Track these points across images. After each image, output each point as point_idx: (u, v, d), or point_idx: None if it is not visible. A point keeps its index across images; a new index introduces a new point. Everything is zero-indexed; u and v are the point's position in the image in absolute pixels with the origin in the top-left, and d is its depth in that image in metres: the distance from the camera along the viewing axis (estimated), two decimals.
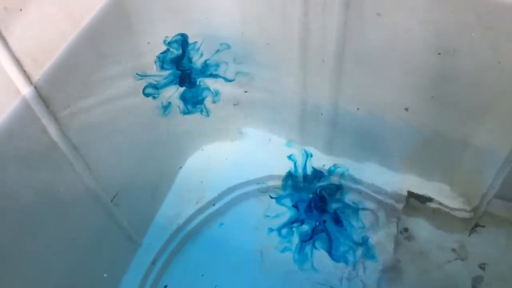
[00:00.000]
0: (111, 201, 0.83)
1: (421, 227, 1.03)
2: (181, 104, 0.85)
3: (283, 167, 1.00)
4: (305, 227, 0.99)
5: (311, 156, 1.00)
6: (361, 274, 0.98)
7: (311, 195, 0.99)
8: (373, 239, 1.00)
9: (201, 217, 1.00)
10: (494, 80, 0.73)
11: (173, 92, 0.83)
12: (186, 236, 1.00)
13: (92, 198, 0.78)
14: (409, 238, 1.03)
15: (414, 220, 1.03)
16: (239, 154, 1.02)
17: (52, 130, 0.64)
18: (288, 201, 0.99)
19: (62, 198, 0.71)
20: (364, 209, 1.03)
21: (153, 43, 0.77)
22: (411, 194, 0.99)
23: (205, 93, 0.88)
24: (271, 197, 0.99)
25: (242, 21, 0.81)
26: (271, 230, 0.99)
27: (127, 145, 0.81)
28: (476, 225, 1.00)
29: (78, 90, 0.67)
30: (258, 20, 0.80)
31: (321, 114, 0.94)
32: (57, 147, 0.66)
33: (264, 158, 1.01)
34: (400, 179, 1.00)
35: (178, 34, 0.77)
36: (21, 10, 0.56)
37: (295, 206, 0.98)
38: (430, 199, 0.98)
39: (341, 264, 0.98)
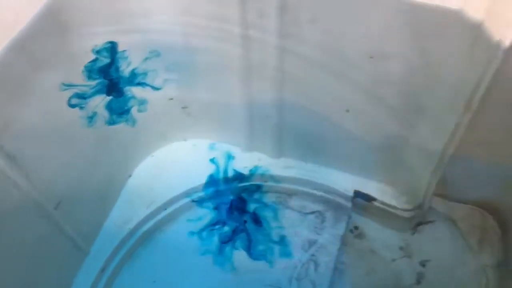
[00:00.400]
0: (55, 209, 0.82)
1: (369, 226, 1.06)
2: (106, 114, 0.84)
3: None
4: (226, 229, 1.00)
5: (233, 158, 1.02)
6: (311, 274, 1.00)
7: (231, 197, 1.00)
8: (320, 241, 1.02)
9: (151, 222, 1.00)
10: (423, 81, 0.76)
11: (99, 102, 0.82)
12: (137, 242, 0.99)
13: (33, 207, 0.77)
14: (359, 236, 1.05)
15: (363, 219, 1.06)
16: (187, 159, 1.03)
17: None
18: (209, 204, 1.00)
19: (2, 208, 0.70)
20: (312, 212, 1.06)
21: (87, 51, 0.77)
22: (357, 194, 1.02)
23: (131, 103, 0.88)
24: (193, 201, 1.00)
25: (181, 26, 0.82)
26: (192, 233, 1.00)
27: (68, 152, 0.80)
28: (420, 223, 1.04)
29: (10, 99, 0.67)
30: (197, 26, 0.81)
31: (267, 117, 0.95)
32: None
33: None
34: (347, 179, 1.03)
35: (107, 42, 0.77)
36: None
37: (216, 208, 0.99)
38: (375, 199, 1.01)
39: (292, 264, 1.00)
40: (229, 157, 1.02)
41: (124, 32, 0.78)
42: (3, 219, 0.70)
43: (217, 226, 1.00)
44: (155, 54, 0.83)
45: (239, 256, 1.00)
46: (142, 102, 0.89)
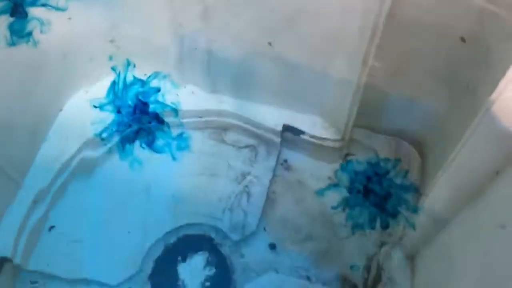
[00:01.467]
0: None
1: (299, 158, 1.10)
2: (8, 35, 0.83)
3: None
4: (130, 129, 1.04)
5: (134, 66, 1.05)
6: (244, 204, 1.05)
7: (133, 101, 1.03)
8: (252, 173, 1.07)
9: (82, 154, 1.02)
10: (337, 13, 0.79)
11: (1, 22, 0.81)
12: (71, 174, 1.01)
13: None
14: (288, 168, 1.10)
15: (293, 153, 1.10)
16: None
17: None
18: (110, 107, 1.03)
19: None
20: (246, 146, 1.10)
21: None
22: (286, 128, 1.06)
23: (33, 24, 0.87)
24: (95, 106, 1.03)
25: None
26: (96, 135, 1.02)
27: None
28: (348, 154, 1.09)
29: None
30: None
31: (196, 49, 0.97)
32: None
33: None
34: (277, 114, 1.06)
35: None
36: None
37: (118, 111, 1.02)
38: (303, 132, 1.05)
39: (225, 195, 1.05)
40: (128, 64, 1.04)
41: None
42: None
43: (121, 128, 1.03)
44: None
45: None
46: (44, 23, 0.88)
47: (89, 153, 1.02)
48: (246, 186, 1.07)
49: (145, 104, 1.02)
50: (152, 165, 1.05)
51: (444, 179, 0.72)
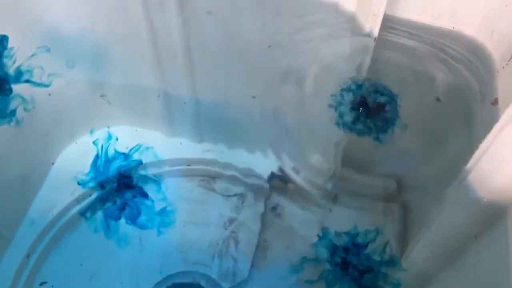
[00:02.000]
0: None
1: (288, 204, 1.12)
2: None
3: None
4: (112, 205, 1.05)
5: (117, 139, 1.07)
6: (232, 251, 1.06)
7: (115, 175, 1.05)
8: (240, 219, 1.08)
9: (77, 208, 1.04)
10: (319, 67, 0.82)
11: None
12: (63, 228, 1.02)
13: None
14: (278, 215, 1.12)
15: (281, 198, 1.12)
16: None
17: None
18: (93, 184, 1.04)
19: None
20: (235, 194, 1.11)
21: None
22: (274, 175, 1.08)
23: (16, 102, 0.87)
24: (79, 183, 1.04)
25: (90, 18, 0.84)
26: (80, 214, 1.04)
27: None
28: (336, 196, 1.11)
29: None
30: (106, 17, 0.84)
31: (184, 103, 0.99)
32: None
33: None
34: (264, 161, 1.08)
35: None
36: None
37: (102, 187, 1.03)
38: (290, 179, 1.08)
39: (214, 242, 1.06)
40: (109, 138, 1.06)
41: (17, 25, 0.80)
42: None
43: (106, 204, 1.04)
44: (43, 49, 0.85)
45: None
46: (28, 101, 0.89)
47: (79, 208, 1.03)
48: (234, 232, 1.08)
49: (129, 178, 1.03)
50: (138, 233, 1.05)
51: (425, 239, 0.74)
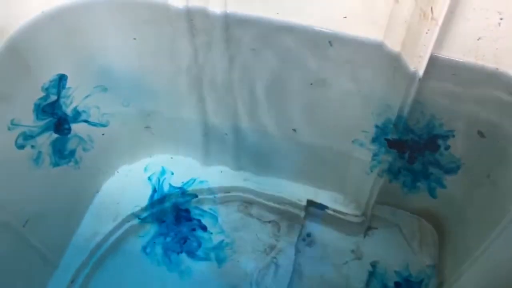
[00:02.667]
0: (23, 226, 0.88)
1: (321, 233, 1.14)
2: (51, 155, 0.87)
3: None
4: (173, 238, 1.09)
5: (170, 173, 1.11)
6: (271, 277, 1.08)
7: (173, 209, 1.08)
8: (277, 247, 1.10)
9: (118, 233, 1.07)
10: (356, 105, 0.84)
11: (45, 140, 0.85)
12: (105, 254, 1.06)
13: (2, 226, 0.83)
14: (311, 242, 1.13)
15: (316, 226, 1.14)
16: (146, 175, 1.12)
17: None
18: (152, 219, 1.08)
19: None
20: (269, 221, 1.14)
21: (38, 87, 0.81)
22: (310, 203, 1.10)
23: (74, 142, 0.90)
24: (139, 219, 1.07)
25: (138, 56, 0.88)
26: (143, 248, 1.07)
27: (33, 176, 0.86)
28: (369, 228, 1.12)
29: None
30: (154, 55, 0.88)
31: (226, 134, 1.03)
32: None
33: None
34: (300, 190, 1.11)
35: (57, 75, 0.81)
36: None
37: (163, 221, 1.06)
38: (326, 207, 1.09)
39: (251, 270, 1.08)
40: (163, 173, 1.10)
41: (75, 67, 0.84)
42: None
43: (167, 238, 1.08)
44: (99, 89, 0.89)
45: (190, 262, 1.07)
46: (86, 141, 0.93)
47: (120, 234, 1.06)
48: (274, 258, 1.10)
49: (186, 211, 1.06)
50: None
51: (472, 272, 0.75)
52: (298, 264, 1.10)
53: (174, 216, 1.07)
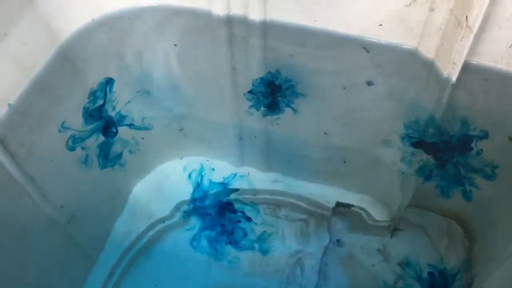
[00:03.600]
0: (68, 222, 0.93)
1: (349, 233, 1.16)
2: (99, 158, 0.91)
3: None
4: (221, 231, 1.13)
5: (207, 170, 1.17)
6: (298, 277, 1.11)
7: (216, 203, 1.12)
8: (304, 247, 1.13)
9: (152, 232, 1.11)
10: (388, 109, 0.87)
11: (93, 143, 0.89)
12: (140, 251, 1.10)
13: (49, 222, 0.87)
14: (339, 242, 1.16)
15: (343, 227, 1.17)
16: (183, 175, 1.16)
17: (9, 165, 0.74)
18: (196, 214, 1.12)
19: (21, 222, 0.80)
20: (298, 220, 1.17)
21: (87, 91, 0.86)
22: (338, 204, 1.13)
23: (121, 145, 0.94)
24: (186, 212, 1.12)
25: (178, 64, 0.93)
26: (190, 241, 1.11)
27: (79, 175, 0.91)
28: (396, 229, 1.14)
29: (34, 129, 0.78)
30: (191, 63, 0.92)
31: (255, 137, 1.06)
32: (14, 179, 0.76)
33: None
34: (328, 191, 1.14)
35: (103, 79, 0.85)
36: None
37: (208, 214, 1.11)
38: (355, 208, 1.12)
39: (280, 269, 1.11)
40: (202, 170, 1.15)
41: (120, 72, 0.88)
42: (21, 231, 0.80)
43: (213, 231, 1.12)
44: (142, 93, 0.93)
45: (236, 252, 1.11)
46: (131, 144, 0.97)
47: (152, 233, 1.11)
48: (300, 259, 1.13)
49: (230, 204, 1.11)
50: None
51: (501, 274, 0.77)
52: (325, 264, 1.12)
53: (217, 209, 1.11)
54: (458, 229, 1.09)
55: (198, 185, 1.13)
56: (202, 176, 1.15)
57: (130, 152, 0.98)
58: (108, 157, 0.92)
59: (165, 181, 1.15)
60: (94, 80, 0.86)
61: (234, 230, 1.11)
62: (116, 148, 0.95)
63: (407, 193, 1.01)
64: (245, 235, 1.11)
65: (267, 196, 1.16)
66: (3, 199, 0.75)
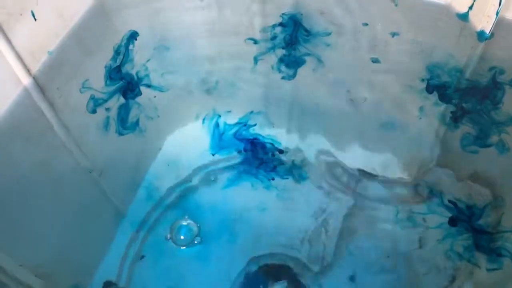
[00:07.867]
0: (99, 176, 0.95)
1: (373, 195, 1.18)
2: (118, 123, 0.93)
3: None
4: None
5: (219, 116, 1.19)
6: (323, 237, 1.13)
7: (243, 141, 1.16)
8: (329, 207, 1.15)
9: (178, 190, 1.14)
10: (419, 61, 0.87)
11: (113, 104, 0.90)
12: (166, 208, 1.13)
13: (83, 173, 0.90)
14: (362, 205, 1.17)
15: (367, 190, 1.18)
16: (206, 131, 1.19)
17: (48, 114, 0.76)
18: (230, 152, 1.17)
19: (56, 171, 0.83)
20: (320, 185, 1.18)
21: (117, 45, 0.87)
22: (361, 172, 1.15)
23: (138, 110, 0.95)
24: (213, 154, 1.16)
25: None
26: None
27: (101, 139, 0.94)
28: (421, 192, 1.15)
29: (69, 81, 0.80)
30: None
31: (281, 99, 1.08)
32: (53, 128, 0.79)
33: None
34: (352, 154, 1.15)
35: (129, 31, 0.85)
36: (21, 15, 0.68)
37: (245, 150, 1.15)
38: (377, 176, 1.14)
39: (303, 229, 1.13)
40: (214, 115, 1.18)
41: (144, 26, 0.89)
42: (58, 180, 0.83)
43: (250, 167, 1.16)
44: (162, 49, 0.93)
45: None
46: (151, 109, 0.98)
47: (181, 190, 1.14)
48: (324, 220, 1.15)
49: (256, 139, 1.15)
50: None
51: None
52: (347, 226, 1.14)
53: (248, 147, 1.15)
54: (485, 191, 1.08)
55: (217, 125, 1.16)
56: (218, 122, 1.17)
57: (148, 117, 1.01)
58: (125, 123, 0.95)
59: (192, 137, 1.17)
60: (121, 35, 0.87)
61: (269, 162, 1.15)
62: (134, 113, 0.97)
63: (433, 150, 1.01)
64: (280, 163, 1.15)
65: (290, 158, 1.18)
66: (42, 147, 0.78)
